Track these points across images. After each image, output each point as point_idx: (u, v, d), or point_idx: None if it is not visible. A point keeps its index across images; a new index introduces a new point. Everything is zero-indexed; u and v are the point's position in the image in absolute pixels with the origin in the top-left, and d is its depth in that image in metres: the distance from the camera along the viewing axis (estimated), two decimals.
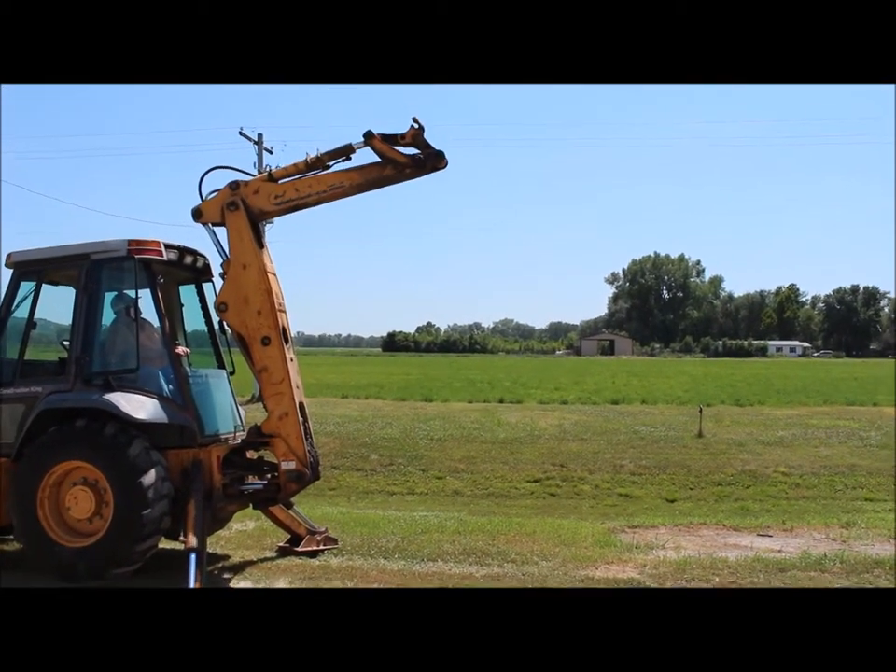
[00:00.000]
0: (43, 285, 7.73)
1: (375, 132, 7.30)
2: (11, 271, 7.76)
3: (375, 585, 7.44)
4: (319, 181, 7.52)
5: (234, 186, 7.59)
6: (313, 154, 7.51)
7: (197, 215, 7.64)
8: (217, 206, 7.57)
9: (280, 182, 7.62)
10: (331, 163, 7.56)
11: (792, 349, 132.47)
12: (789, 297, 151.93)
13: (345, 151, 7.48)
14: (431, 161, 7.40)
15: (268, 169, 7.75)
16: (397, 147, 7.36)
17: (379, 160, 7.44)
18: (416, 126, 7.28)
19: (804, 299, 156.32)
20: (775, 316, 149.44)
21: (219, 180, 7.78)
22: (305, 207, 7.62)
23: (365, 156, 7.54)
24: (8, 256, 7.78)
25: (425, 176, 7.59)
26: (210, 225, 7.68)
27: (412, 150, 7.43)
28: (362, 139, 7.34)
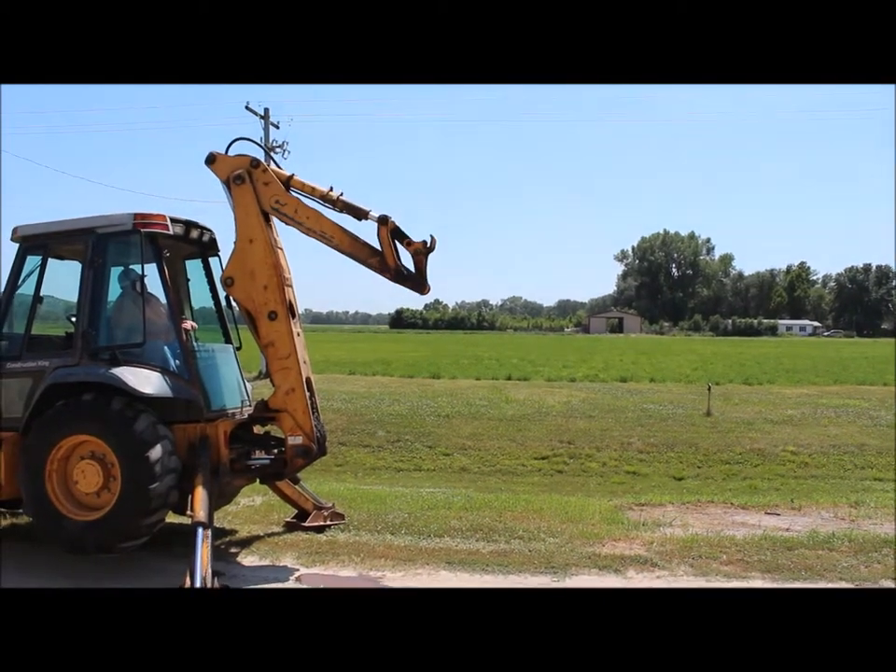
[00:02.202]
0: (49, 259, 7.69)
1: (391, 218, 7.42)
2: (17, 245, 7.73)
3: (381, 560, 7.47)
4: (318, 221, 7.58)
5: (255, 163, 7.57)
6: (336, 192, 7.66)
7: (210, 160, 7.66)
8: (228, 169, 7.56)
9: (290, 192, 7.64)
10: (342, 211, 7.68)
11: (803, 328, 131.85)
12: (799, 275, 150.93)
13: (359, 214, 7.63)
14: (411, 283, 7.58)
15: (291, 173, 7.72)
16: (397, 245, 7.48)
17: (373, 248, 7.53)
18: (427, 245, 7.42)
19: (815, 277, 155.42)
20: (785, 295, 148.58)
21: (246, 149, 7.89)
22: (293, 227, 7.63)
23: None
24: (14, 230, 7.74)
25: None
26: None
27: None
28: (376, 216, 7.45)
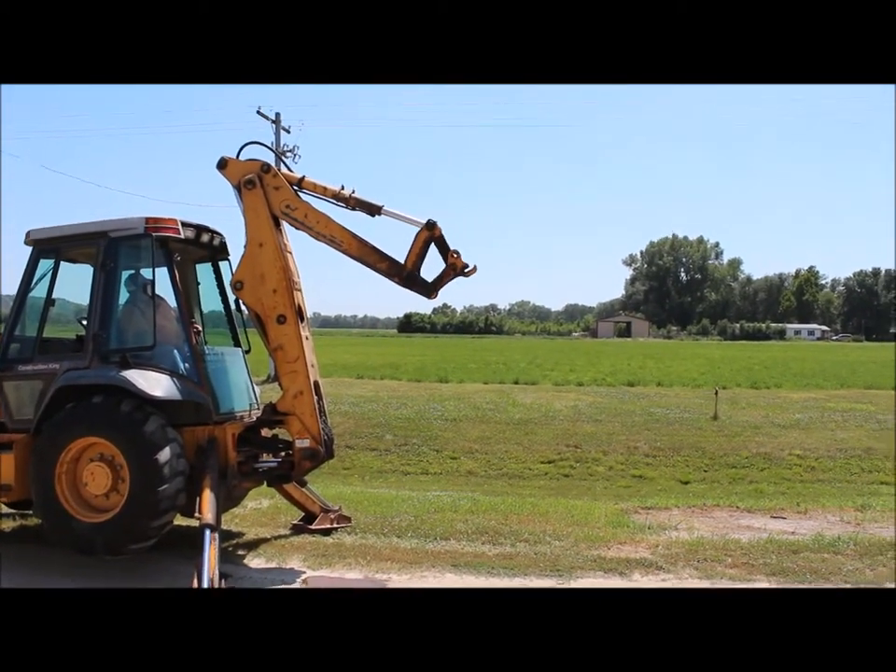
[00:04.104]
0: (61, 262, 7.77)
1: (439, 226, 7.34)
2: (30, 248, 7.82)
3: (388, 563, 7.51)
4: (328, 225, 7.60)
5: (266, 168, 7.64)
6: (348, 189, 7.67)
7: (221, 164, 7.74)
8: (239, 174, 7.64)
9: (301, 194, 7.70)
10: (355, 208, 7.70)
11: (811, 332, 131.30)
12: (808, 280, 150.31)
13: (372, 210, 7.64)
14: (419, 288, 7.56)
15: (303, 174, 7.77)
16: (426, 251, 7.43)
17: (382, 253, 7.50)
18: (467, 269, 7.39)
19: (823, 282, 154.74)
20: (793, 299, 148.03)
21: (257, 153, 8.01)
22: (302, 231, 7.67)
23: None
24: (27, 233, 7.82)
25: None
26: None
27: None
28: (423, 223, 7.36)
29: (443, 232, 7.41)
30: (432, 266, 7.52)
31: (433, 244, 7.42)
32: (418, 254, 7.45)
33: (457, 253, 7.38)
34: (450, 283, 7.50)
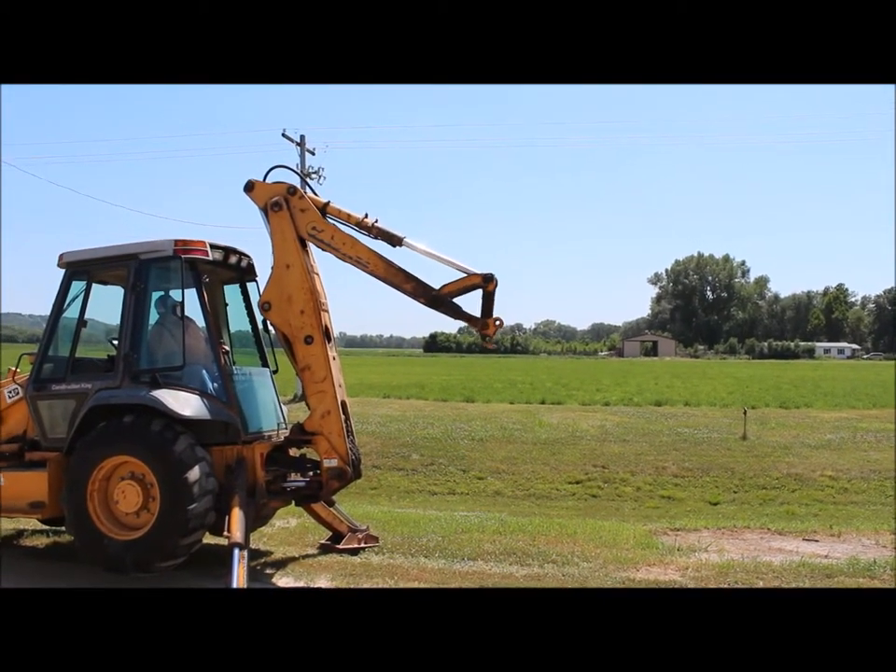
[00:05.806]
0: (93, 284, 7.91)
1: (496, 281, 7.44)
2: (63, 270, 7.96)
3: (415, 583, 7.48)
4: (354, 247, 7.69)
5: (292, 191, 7.74)
6: (372, 218, 7.78)
7: (248, 187, 7.85)
8: (266, 197, 7.73)
9: (327, 218, 7.78)
10: (377, 237, 7.80)
11: (841, 351, 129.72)
12: (837, 297, 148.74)
13: (393, 240, 7.76)
14: (445, 309, 7.69)
15: (328, 199, 7.87)
16: (465, 292, 7.57)
17: (408, 274, 7.62)
18: (490, 338, 7.73)
19: (853, 299, 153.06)
20: (822, 317, 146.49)
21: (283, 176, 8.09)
22: (329, 253, 7.74)
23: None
24: (60, 256, 7.98)
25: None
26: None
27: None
28: (481, 276, 7.44)
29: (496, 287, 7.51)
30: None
31: (482, 292, 7.50)
32: (459, 289, 7.56)
33: (499, 321, 7.55)
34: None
